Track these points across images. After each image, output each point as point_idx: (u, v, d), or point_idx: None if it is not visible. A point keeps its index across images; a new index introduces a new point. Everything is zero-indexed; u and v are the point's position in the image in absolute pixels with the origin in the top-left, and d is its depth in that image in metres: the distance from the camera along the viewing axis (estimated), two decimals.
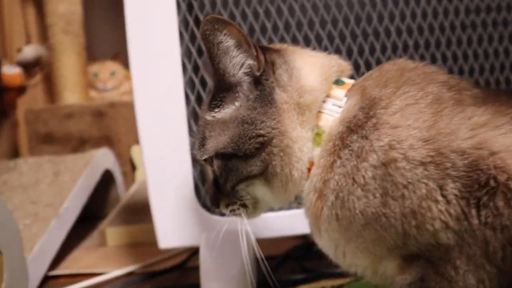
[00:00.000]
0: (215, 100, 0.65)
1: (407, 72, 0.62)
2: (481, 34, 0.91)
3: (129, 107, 1.65)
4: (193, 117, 0.88)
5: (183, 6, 0.86)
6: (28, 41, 2.13)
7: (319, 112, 0.64)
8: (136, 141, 1.83)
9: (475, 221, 0.53)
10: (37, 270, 1.09)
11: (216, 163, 0.65)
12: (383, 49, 0.90)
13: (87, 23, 2.09)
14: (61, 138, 1.86)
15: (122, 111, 1.85)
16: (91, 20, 2.18)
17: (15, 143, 2.12)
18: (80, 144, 1.85)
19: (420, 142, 0.55)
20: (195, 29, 0.87)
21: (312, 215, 0.63)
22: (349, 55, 0.89)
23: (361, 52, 0.90)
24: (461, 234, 0.53)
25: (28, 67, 2.10)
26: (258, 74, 0.63)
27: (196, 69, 0.88)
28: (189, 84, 0.88)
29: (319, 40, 0.88)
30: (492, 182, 0.52)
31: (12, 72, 2.03)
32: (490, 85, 0.92)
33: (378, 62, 0.89)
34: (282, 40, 0.88)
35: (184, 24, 0.87)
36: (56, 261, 1.22)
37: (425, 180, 0.54)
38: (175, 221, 0.92)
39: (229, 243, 0.88)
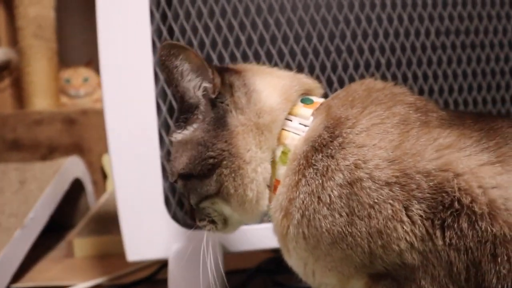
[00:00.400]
0: (178, 122, 0.67)
1: (375, 92, 0.63)
2: (450, 55, 0.93)
3: (101, 114, 1.61)
4: (164, 128, 0.87)
5: (157, 16, 0.86)
6: None
7: (284, 130, 0.64)
8: (108, 150, 1.80)
9: (439, 242, 0.53)
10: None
11: (179, 182, 0.67)
12: (356, 66, 0.91)
13: (61, 28, 2.05)
14: (29, 145, 1.81)
15: (93, 119, 1.82)
16: (65, 25, 2.14)
17: None
18: (49, 152, 1.80)
19: (385, 162, 0.55)
20: (169, 39, 0.86)
21: (279, 233, 0.63)
22: (322, 71, 0.90)
23: (334, 68, 0.91)
24: (425, 255, 0.53)
25: None
26: (213, 96, 0.64)
27: None
28: (161, 95, 0.87)
29: (293, 55, 0.89)
30: (456, 204, 0.52)
31: None
32: (458, 106, 0.94)
33: (351, 79, 0.90)
34: (256, 53, 0.88)
35: (157, 34, 0.86)
36: (20, 272, 1.18)
37: (391, 201, 0.54)
38: (144, 233, 0.90)
39: (198, 256, 0.87)
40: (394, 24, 0.91)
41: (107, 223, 1.45)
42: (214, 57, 0.87)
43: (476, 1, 0.94)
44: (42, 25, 1.91)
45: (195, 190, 0.66)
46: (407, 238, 0.53)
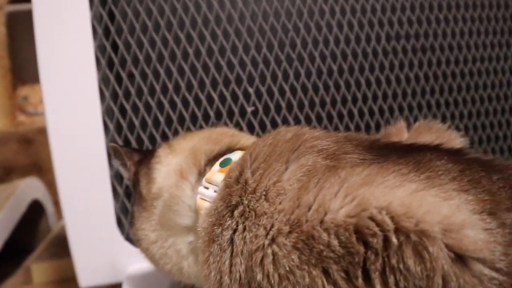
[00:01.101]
0: None
1: (281, 145, 0.54)
2: (402, 59, 0.93)
3: None
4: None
5: (99, 31, 0.83)
6: None
7: (201, 199, 0.59)
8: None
9: None
10: None
11: None
12: (308, 74, 0.90)
13: (14, 45, 1.98)
14: None
15: None
16: (18, 42, 2.08)
17: None
18: (5, 173, 1.73)
19: (287, 227, 0.46)
20: (112, 55, 0.83)
21: None
22: (274, 80, 0.88)
23: (286, 77, 0.89)
24: None
25: None
26: (129, 182, 0.71)
27: (114, 95, 0.84)
28: (108, 113, 0.84)
29: (242, 66, 0.87)
30: (394, 239, 0.41)
31: None
32: (413, 110, 0.94)
33: (303, 87, 0.89)
34: (205, 65, 0.86)
35: (101, 50, 0.83)
36: None
37: (305, 267, 0.44)
38: (97, 257, 0.86)
39: (153, 278, 0.84)
40: (344, 30, 0.91)
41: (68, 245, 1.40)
42: (162, 71, 0.85)
43: (424, 5, 0.94)
44: None
45: None
46: None
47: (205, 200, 0.58)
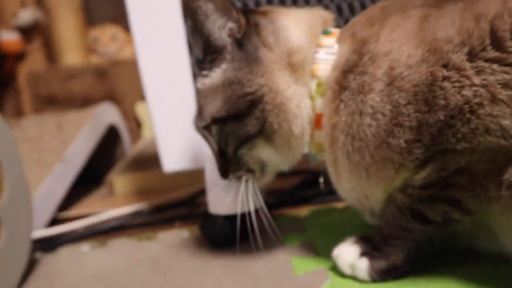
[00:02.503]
0: (204, 66, 0.66)
1: (388, 7, 0.64)
2: None
3: (131, 64, 1.62)
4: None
5: None
6: (23, 5, 2.09)
7: (315, 64, 0.65)
8: (141, 98, 1.81)
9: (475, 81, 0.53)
10: (44, 210, 1.08)
11: (214, 129, 0.66)
12: None
13: None
14: (64, 99, 1.84)
15: (124, 69, 1.83)
16: None
17: (19, 109, 2.11)
18: (83, 104, 1.82)
19: (413, 49, 0.56)
20: None
21: (329, 163, 0.64)
22: None
23: None
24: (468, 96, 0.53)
25: (26, 31, 2.07)
26: (239, 36, 0.65)
27: None
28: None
29: None
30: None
31: (10, 38, 2.00)
32: None
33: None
34: None
35: None
36: (65, 208, 1.21)
37: (431, 69, 0.55)
38: (179, 142, 0.89)
39: None
40: None
41: (145, 163, 1.47)
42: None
43: None
44: None
45: (233, 134, 0.64)
46: (452, 87, 0.54)
47: (318, 63, 0.65)
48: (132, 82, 1.79)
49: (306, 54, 0.65)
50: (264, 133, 0.64)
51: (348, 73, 0.60)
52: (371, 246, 0.63)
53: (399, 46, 0.57)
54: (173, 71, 0.87)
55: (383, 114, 0.57)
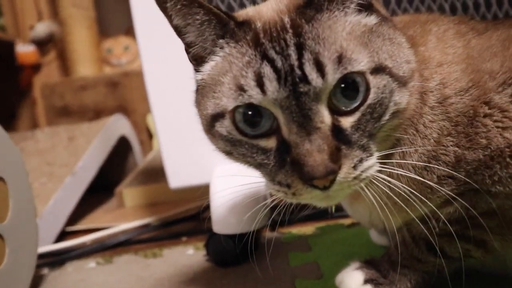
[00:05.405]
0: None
1: (417, 17, 0.60)
2: None
3: (142, 76, 1.63)
4: None
5: None
6: (39, 18, 2.13)
7: None
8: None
9: None
10: (53, 224, 1.09)
11: (374, 80, 0.47)
12: None
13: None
14: (77, 110, 1.86)
15: (135, 80, 1.84)
16: None
17: (34, 120, 2.14)
18: (95, 115, 1.84)
19: (460, 74, 0.52)
20: None
21: None
22: None
23: None
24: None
25: (42, 44, 2.10)
26: None
27: None
28: None
29: None
30: None
31: (26, 50, 2.04)
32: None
33: None
34: None
35: None
36: (74, 221, 1.22)
37: (472, 103, 0.51)
38: (185, 159, 0.89)
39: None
40: None
41: (155, 175, 1.47)
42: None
43: None
44: None
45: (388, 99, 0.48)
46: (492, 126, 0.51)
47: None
48: (143, 93, 1.79)
49: None
50: None
51: None
52: (376, 271, 0.61)
53: (450, 63, 0.53)
54: (179, 90, 0.87)
55: (428, 139, 0.52)
